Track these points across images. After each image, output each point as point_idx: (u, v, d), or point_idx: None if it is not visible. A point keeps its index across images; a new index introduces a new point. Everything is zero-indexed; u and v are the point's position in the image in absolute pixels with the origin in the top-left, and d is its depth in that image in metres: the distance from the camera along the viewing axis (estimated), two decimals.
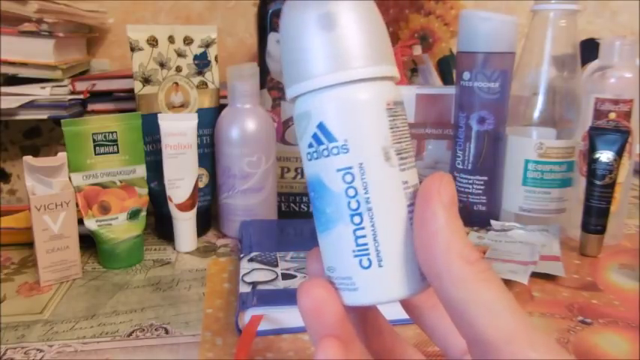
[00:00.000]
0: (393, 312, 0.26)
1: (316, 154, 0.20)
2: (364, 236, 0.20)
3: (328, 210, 0.20)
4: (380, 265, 0.20)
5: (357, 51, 0.19)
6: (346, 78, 0.19)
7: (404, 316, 0.25)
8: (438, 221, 0.18)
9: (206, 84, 0.61)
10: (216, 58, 0.61)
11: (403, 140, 0.20)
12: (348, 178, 0.19)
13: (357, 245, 0.20)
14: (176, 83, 0.59)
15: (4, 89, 0.61)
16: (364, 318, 0.24)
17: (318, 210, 0.20)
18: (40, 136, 0.74)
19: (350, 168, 0.19)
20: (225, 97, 0.61)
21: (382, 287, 0.20)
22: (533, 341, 0.17)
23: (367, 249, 0.20)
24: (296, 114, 0.21)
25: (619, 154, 0.54)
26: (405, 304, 0.24)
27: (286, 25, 0.20)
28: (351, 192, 0.19)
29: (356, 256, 0.20)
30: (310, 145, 0.20)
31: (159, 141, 0.55)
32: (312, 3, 0.19)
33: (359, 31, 0.19)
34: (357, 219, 0.19)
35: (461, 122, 0.62)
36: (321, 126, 0.19)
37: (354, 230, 0.20)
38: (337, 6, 0.19)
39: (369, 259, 0.20)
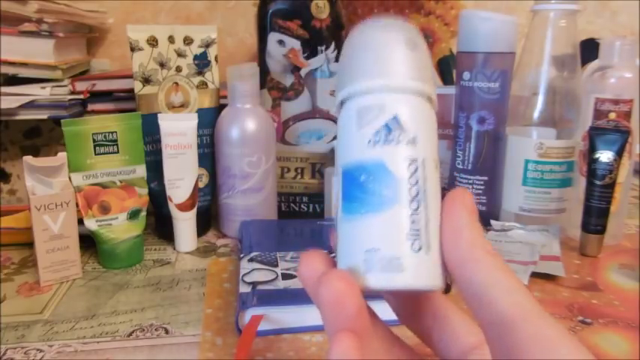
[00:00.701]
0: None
1: (383, 140, 0.22)
2: (418, 221, 0.21)
3: (386, 192, 0.21)
4: (427, 252, 0.21)
5: (428, 73, 0.23)
6: (422, 88, 0.23)
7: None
8: (463, 219, 0.21)
9: (206, 84, 0.61)
10: (216, 58, 0.61)
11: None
12: (413, 167, 0.22)
13: (412, 229, 0.21)
14: (176, 83, 0.59)
15: (4, 89, 0.61)
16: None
17: (369, 192, 0.22)
18: (40, 136, 0.74)
19: (416, 159, 0.22)
20: (225, 97, 0.61)
21: (428, 273, 0.21)
22: (547, 320, 0.18)
23: (419, 233, 0.21)
24: (363, 105, 0.23)
25: (619, 154, 0.54)
26: (398, 311, 0.25)
27: (372, 35, 0.23)
28: (413, 180, 0.21)
29: (409, 238, 0.21)
30: (377, 133, 0.22)
31: (159, 141, 0.55)
32: (403, 26, 0.24)
33: (428, 60, 0.24)
34: (414, 204, 0.21)
35: (461, 122, 0.62)
36: (395, 118, 0.22)
37: (411, 214, 0.21)
38: (417, 36, 0.24)
39: (419, 243, 0.21)
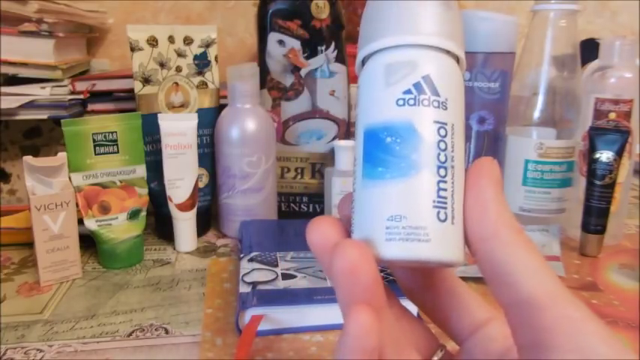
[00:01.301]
0: None
1: (413, 100, 0.20)
2: (445, 189, 0.20)
3: (414, 156, 0.20)
4: (453, 223, 0.20)
5: (460, 36, 0.22)
6: (454, 49, 0.21)
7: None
8: (489, 192, 0.20)
9: (206, 84, 0.61)
10: (216, 58, 0.61)
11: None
12: (442, 132, 0.20)
13: (439, 197, 0.20)
14: (176, 83, 0.59)
15: (4, 89, 0.61)
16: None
17: (396, 155, 0.20)
18: (40, 136, 0.74)
19: (445, 124, 0.20)
20: (225, 97, 0.61)
21: (452, 245, 0.20)
22: (574, 301, 0.18)
23: (446, 203, 0.20)
24: (392, 61, 0.21)
25: (619, 154, 0.54)
26: (407, 285, 0.24)
27: None
28: (443, 145, 0.20)
29: (435, 206, 0.20)
30: (408, 92, 0.20)
31: (159, 141, 0.55)
32: None
33: (460, 22, 0.22)
34: (442, 171, 0.20)
35: None
36: (427, 78, 0.21)
37: (438, 181, 0.20)
38: None
39: (445, 213, 0.20)
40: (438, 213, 0.20)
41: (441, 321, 0.23)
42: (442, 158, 0.20)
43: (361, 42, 0.23)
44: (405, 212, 0.20)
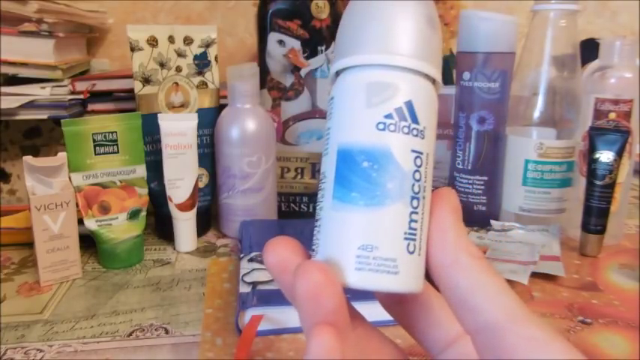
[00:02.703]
0: (376, 313, 0.25)
1: (394, 126, 0.20)
2: (417, 221, 0.20)
3: (390, 185, 0.20)
4: (419, 254, 0.20)
5: (440, 55, 0.22)
6: (436, 76, 0.21)
7: (383, 317, 0.24)
8: (448, 222, 0.20)
9: (206, 84, 0.61)
10: (216, 58, 0.61)
11: None
12: (419, 161, 0.20)
13: (410, 229, 0.20)
14: (176, 83, 0.59)
15: (4, 89, 0.61)
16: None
17: (373, 182, 0.20)
18: (40, 136, 0.74)
19: (422, 154, 0.20)
20: (225, 97, 0.61)
21: (417, 276, 0.20)
22: (536, 322, 0.18)
23: (416, 234, 0.20)
24: (376, 80, 0.20)
25: (619, 154, 0.54)
26: (386, 298, 0.24)
27: (391, 2, 0.21)
28: (417, 176, 0.20)
29: (406, 238, 0.20)
30: (389, 116, 0.20)
31: (159, 141, 0.55)
32: (424, 3, 0.21)
33: (440, 38, 0.22)
34: (415, 203, 0.20)
35: (461, 122, 0.62)
36: (409, 104, 0.20)
37: (411, 213, 0.20)
38: (436, 14, 0.21)
39: (414, 245, 0.20)
40: (408, 245, 0.20)
41: (416, 334, 0.23)
42: (416, 189, 0.20)
43: (340, 50, 0.22)
44: (377, 243, 0.20)
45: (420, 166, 0.20)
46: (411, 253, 0.20)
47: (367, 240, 0.20)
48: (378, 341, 0.23)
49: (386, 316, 0.24)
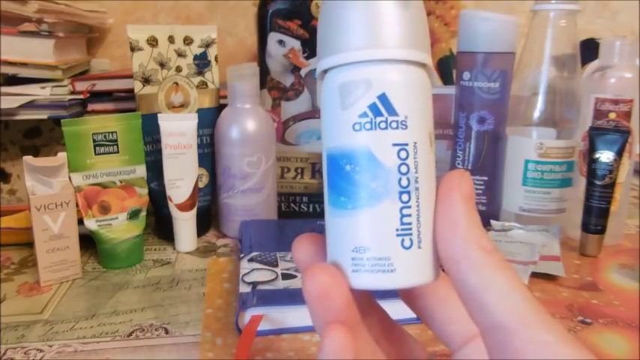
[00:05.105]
0: (397, 311, 0.25)
1: (369, 124, 0.19)
2: (409, 215, 0.19)
3: (374, 185, 0.19)
4: (419, 247, 0.20)
5: (422, 36, 0.20)
6: (414, 57, 0.20)
7: (404, 315, 0.25)
8: (458, 211, 0.19)
9: (206, 84, 0.61)
10: (216, 58, 0.61)
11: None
12: (403, 154, 0.19)
13: (402, 224, 0.19)
14: (176, 83, 0.59)
15: (4, 89, 0.61)
16: (374, 316, 0.23)
17: (356, 184, 0.20)
18: (40, 136, 0.74)
19: (406, 145, 0.19)
20: (225, 97, 0.61)
21: (419, 269, 0.20)
22: (546, 324, 0.17)
23: (410, 229, 0.19)
24: (346, 81, 0.20)
25: (619, 154, 0.54)
26: (406, 292, 0.24)
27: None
28: (404, 169, 0.19)
29: (399, 235, 0.19)
30: (364, 115, 0.19)
31: (159, 141, 0.55)
32: None
33: (422, 18, 0.20)
34: (405, 197, 0.19)
35: (461, 122, 0.62)
36: (382, 97, 0.19)
37: (401, 208, 0.19)
38: None
39: (410, 240, 0.19)
40: (402, 241, 0.19)
41: (436, 328, 0.23)
42: (404, 182, 0.19)
43: (318, 52, 0.21)
44: (369, 244, 0.20)
45: (405, 158, 0.19)
46: (408, 248, 0.19)
47: (359, 242, 0.20)
48: (399, 339, 0.24)
49: (410, 314, 0.24)
